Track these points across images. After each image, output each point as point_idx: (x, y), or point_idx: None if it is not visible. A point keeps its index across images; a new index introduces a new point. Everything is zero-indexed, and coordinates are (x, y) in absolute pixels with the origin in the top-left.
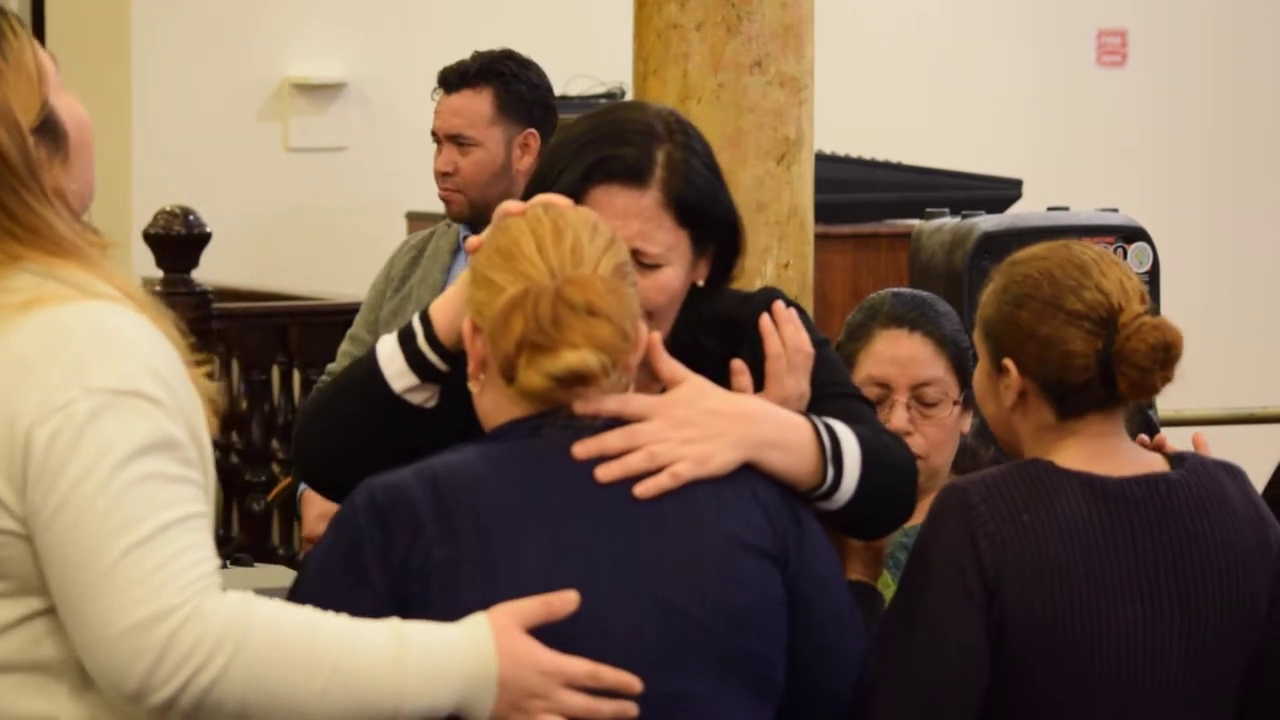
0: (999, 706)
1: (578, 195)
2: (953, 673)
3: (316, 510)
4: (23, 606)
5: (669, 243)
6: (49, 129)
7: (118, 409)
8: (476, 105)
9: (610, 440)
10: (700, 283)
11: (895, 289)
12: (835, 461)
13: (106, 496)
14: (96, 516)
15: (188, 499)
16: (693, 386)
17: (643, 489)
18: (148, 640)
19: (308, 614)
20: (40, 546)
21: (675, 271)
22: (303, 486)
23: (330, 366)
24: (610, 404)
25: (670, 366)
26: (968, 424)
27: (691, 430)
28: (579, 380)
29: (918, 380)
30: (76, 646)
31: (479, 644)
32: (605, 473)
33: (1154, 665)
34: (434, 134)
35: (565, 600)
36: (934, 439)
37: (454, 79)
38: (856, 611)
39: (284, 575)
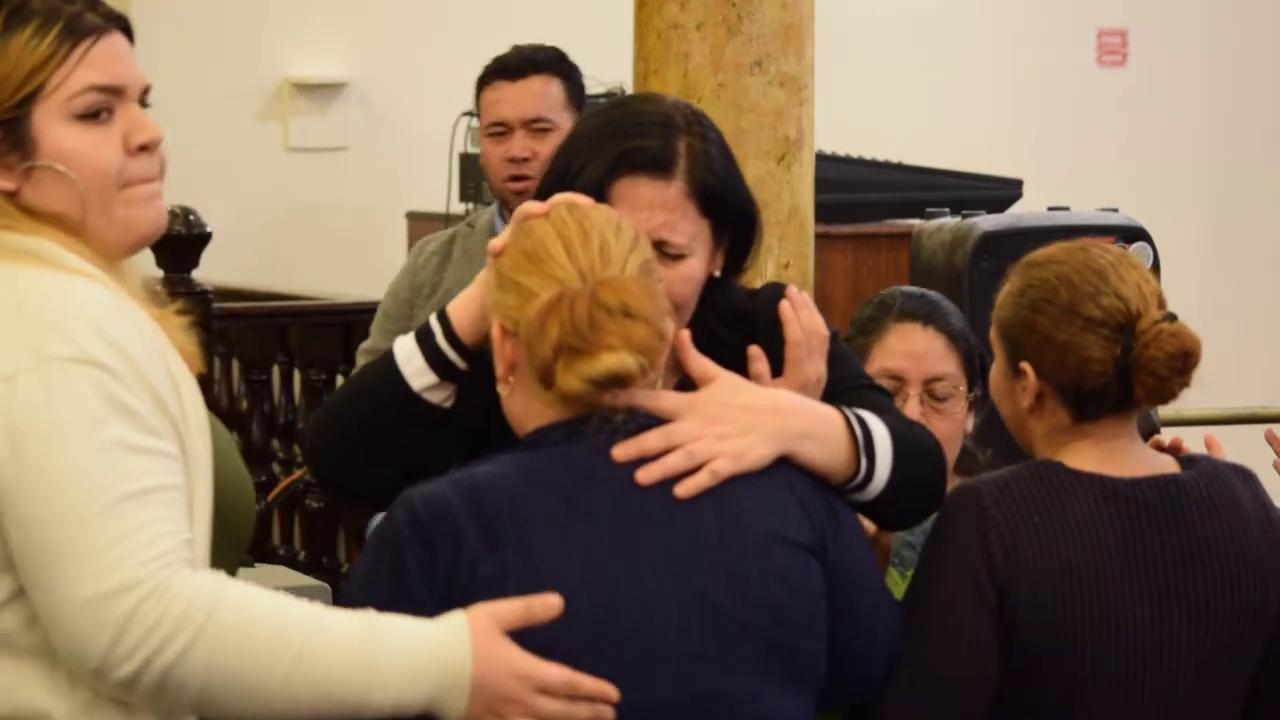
0: (1009, 705)
1: (602, 188)
2: (963, 671)
3: None
4: (8, 582)
5: (693, 233)
6: (12, 130)
7: (69, 376)
8: (552, 90)
9: (649, 441)
10: (716, 273)
11: (904, 287)
12: (868, 452)
13: (63, 466)
14: (55, 486)
15: (152, 470)
16: (724, 383)
17: (683, 489)
18: (109, 614)
19: (280, 600)
20: (2, 521)
21: (698, 262)
22: None
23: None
24: (642, 399)
25: (701, 364)
26: (971, 423)
27: (727, 426)
28: (618, 382)
29: (931, 374)
30: (42, 620)
31: (454, 643)
32: (646, 475)
33: (1163, 665)
34: (496, 124)
35: (546, 604)
36: (944, 433)
37: (519, 66)
38: (888, 591)
39: (284, 575)
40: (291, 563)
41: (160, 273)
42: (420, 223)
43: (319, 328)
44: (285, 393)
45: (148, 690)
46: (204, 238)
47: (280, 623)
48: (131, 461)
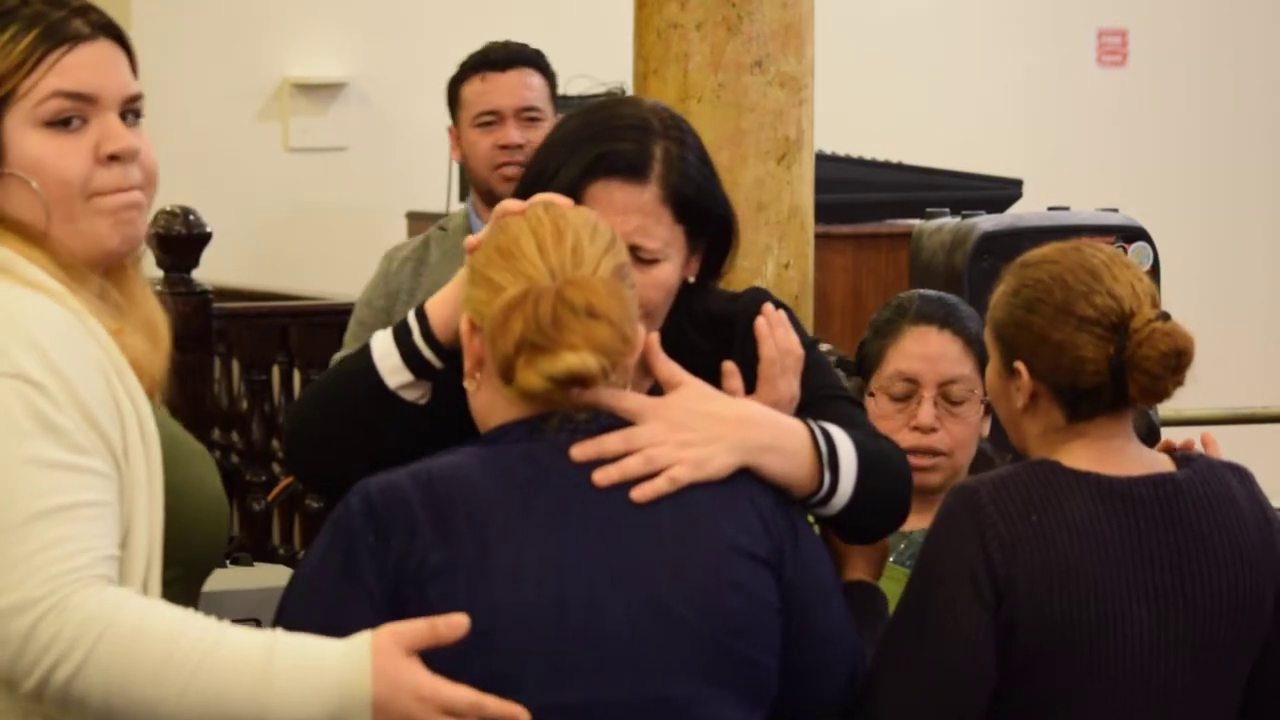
0: (1007, 705)
1: (576, 191)
2: (961, 671)
3: None
4: None
5: (666, 238)
6: None
7: None
8: (539, 82)
9: (608, 443)
10: (691, 279)
11: (921, 290)
12: (831, 467)
13: None
14: None
15: (72, 487)
16: (691, 389)
17: (640, 493)
18: (10, 630)
19: (181, 617)
20: None
21: (672, 267)
22: None
23: None
24: (605, 398)
25: (668, 368)
26: (987, 427)
27: (689, 434)
28: (577, 382)
29: (946, 377)
30: None
31: (354, 664)
32: (603, 477)
33: (1160, 664)
34: (488, 113)
35: (451, 624)
36: (959, 436)
37: (507, 58)
38: (848, 611)
39: (284, 575)
40: (291, 562)
41: (160, 273)
42: (420, 223)
43: (319, 328)
44: (285, 393)
45: (53, 702)
46: (204, 238)
47: (176, 639)
48: (51, 478)
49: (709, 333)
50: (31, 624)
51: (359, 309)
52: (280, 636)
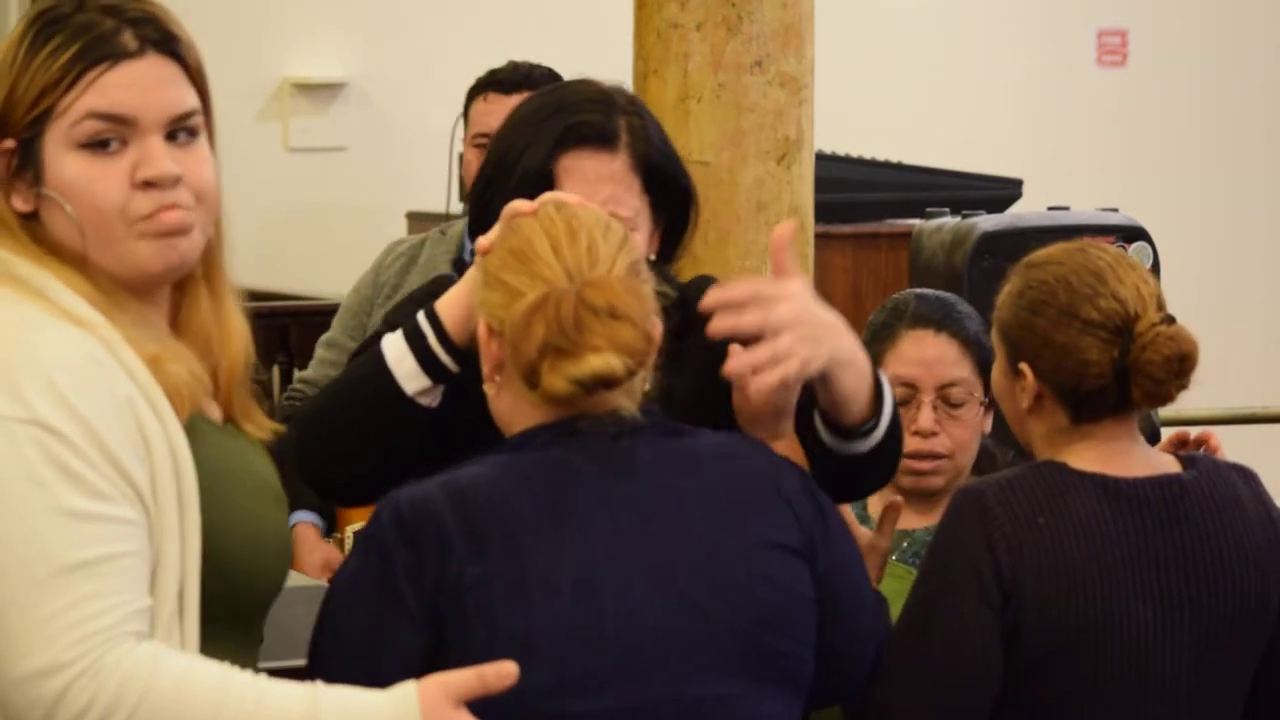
0: (1013, 706)
1: (547, 165)
2: (967, 673)
3: (318, 558)
4: None
5: (637, 206)
6: (27, 149)
7: (14, 439)
8: None
9: (735, 293)
10: (652, 257)
11: (918, 290)
12: (881, 396)
13: (3, 533)
14: None
15: (98, 539)
16: (802, 285)
17: (756, 385)
18: (40, 692)
19: (219, 676)
20: None
21: (641, 238)
22: (292, 520)
23: (304, 374)
24: (750, 317)
25: (789, 261)
26: (989, 425)
27: (804, 329)
28: (603, 384)
29: (944, 380)
30: None
31: (402, 717)
32: (734, 365)
33: (1166, 665)
34: (484, 134)
35: (500, 673)
36: (960, 439)
37: (514, 80)
38: (872, 593)
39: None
40: None
41: None
42: (420, 223)
43: (319, 328)
44: (285, 393)
45: None
46: None
47: (219, 701)
48: (76, 530)
49: (665, 312)
50: (63, 687)
51: (349, 294)
52: (322, 690)
